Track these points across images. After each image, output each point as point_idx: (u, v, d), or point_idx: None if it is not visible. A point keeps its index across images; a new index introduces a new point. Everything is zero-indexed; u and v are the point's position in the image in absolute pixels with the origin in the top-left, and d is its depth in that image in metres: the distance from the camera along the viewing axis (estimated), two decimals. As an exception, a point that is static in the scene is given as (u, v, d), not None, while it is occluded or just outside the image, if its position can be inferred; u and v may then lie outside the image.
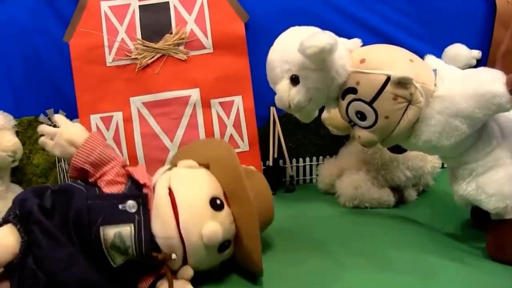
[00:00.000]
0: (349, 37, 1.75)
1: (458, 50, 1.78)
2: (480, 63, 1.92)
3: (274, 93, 1.34)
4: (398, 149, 1.32)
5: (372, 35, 1.86)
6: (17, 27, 1.78)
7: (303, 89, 1.20)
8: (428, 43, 1.90)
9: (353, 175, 1.58)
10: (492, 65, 1.93)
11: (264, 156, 1.81)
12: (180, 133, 1.73)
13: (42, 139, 1.08)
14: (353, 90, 1.15)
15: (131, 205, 0.96)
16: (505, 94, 1.02)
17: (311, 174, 1.89)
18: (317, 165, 1.86)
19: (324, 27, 1.79)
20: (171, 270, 0.99)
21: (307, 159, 1.87)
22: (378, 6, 1.90)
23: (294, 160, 1.87)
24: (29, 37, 1.79)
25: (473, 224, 1.35)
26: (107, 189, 0.99)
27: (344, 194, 1.56)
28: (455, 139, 1.10)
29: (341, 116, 1.26)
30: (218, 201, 1.02)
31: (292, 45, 1.20)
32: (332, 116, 1.62)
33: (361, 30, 1.85)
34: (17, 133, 1.67)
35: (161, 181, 1.04)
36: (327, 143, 1.81)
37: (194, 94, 1.73)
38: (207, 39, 1.74)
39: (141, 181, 1.00)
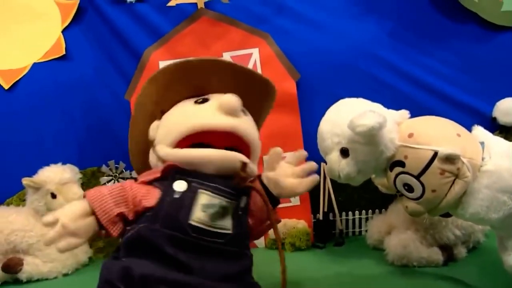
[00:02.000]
0: (396, 91, 1.97)
1: (511, 104, 1.90)
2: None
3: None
4: (446, 214, 1.42)
5: (420, 90, 2.03)
6: (82, 83, 2.07)
7: (353, 161, 1.37)
8: (478, 96, 2.05)
9: (402, 234, 1.71)
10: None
11: (315, 209, 1.99)
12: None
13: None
14: (401, 164, 1.28)
15: (179, 184, 1.09)
16: None
17: (360, 227, 2.05)
18: (366, 218, 2.03)
19: (372, 82, 2.03)
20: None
21: (357, 212, 2.04)
22: (425, 60, 2.07)
23: (343, 214, 2.03)
24: (93, 92, 2.07)
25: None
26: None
27: (392, 253, 1.69)
28: (503, 213, 1.19)
29: (389, 185, 1.42)
30: None
31: (342, 118, 1.37)
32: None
33: (409, 84, 2.03)
34: (82, 184, 1.92)
35: None
36: (376, 197, 1.96)
37: (247, 151, 1.93)
38: (261, 98, 1.94)
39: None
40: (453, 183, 1.22)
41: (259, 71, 1.96)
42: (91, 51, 2.09)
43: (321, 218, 1.98)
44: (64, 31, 2.07)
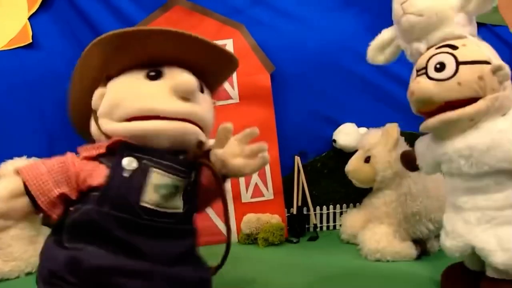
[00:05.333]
0: (373, 86, 2.00)
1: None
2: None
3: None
4: (411, 165, 1.46)
5: (398, 85, 2.04)
6: (51, 74, 2.00)
7: None
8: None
9: (375, 228, 1.73)
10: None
11: (288, 204, 1.99)
12: (205, 181, 1.91)
13: None
14: (454, 47, 1.24)
15: (128, 162, 0.99)
16: None
17: (334, 221, 2.06)
18: (340, 213, 2.04)
19: (349, 77, 2.03)
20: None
21: (331, 207, 2.05)
22: (404, 55, 2.05)
23: (318, 208, 2.04)
24: (64, 84, 1.98)
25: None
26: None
27: (366, 247, 1.70)
28: (497, 161, 1.19)
29: (363, 179, 1.40)
30: None
31: None
32: (356, 169, 1.79)
33: (387, 79, 2.05)
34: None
35: None
36: (351, 191, 1.97)
37: (220, 143, 1.91)
38: (234, 89, 1.94)
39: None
40: (478, 98, 1.20)
41: (233, 63, 1.93)
42: (61, 40, 2.04)
43: (295, 212, 1.99)
44: (31, 18, 2.01)
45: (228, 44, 1.95)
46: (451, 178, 1.34)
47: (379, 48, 1.53)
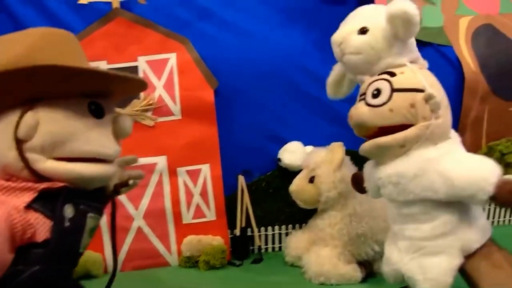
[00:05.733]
0: (320, 102, 1.96)
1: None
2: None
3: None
4: (360, 187, 1.47)
5: (345, 101, 1.98)
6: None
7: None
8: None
9: (320, 251, 1.69)
10: (463, 133, 2.09)
11: (232, 225, 1.91)
12: (145, 201, 1.83)
13: None
14: (393, 74, 1.28)
15: (69, 209, 0.93)
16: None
17: (280, 242, 2.00)
18: (286, 233, 1.98)
19: (295, 93, 1.99)
20: None
21: (276, 227, 1.99)
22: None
23: (262, 229, 1.97)
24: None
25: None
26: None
27: (311, 270, 1.65)
28: (422, 189, 1.21)
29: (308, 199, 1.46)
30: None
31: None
32: (300, 190, 1.74)
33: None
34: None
35: None
36: (296, 211, 1.91)
37: (160, 162, 1.84)
38: (176, 105, 1.86)
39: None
40: (407, 126, 1.23)
41: (176, 78, 1.89)
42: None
43: (238, 234, 1.91)
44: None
45: (171, 59, 1.88)
46: (389, 204, 1.37)
47: (335, 84, 1.60)
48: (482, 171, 1.16)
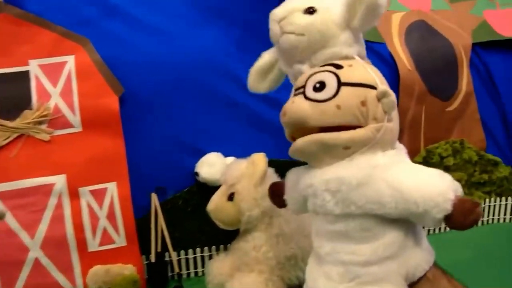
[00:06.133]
0: (242, 107, 1.79)
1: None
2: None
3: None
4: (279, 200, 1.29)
5: (269, 106, 1.80)
6: None
7: None
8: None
9: (244, 278, 1.49)
10: (400, 135, 1.93)
11: (146, 250, 1.68)
12: (42, 228, 1.57)
13: None
14: (339, 66, 1.10)
15: None
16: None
17: (202, 266, 1.77)
18: (209, 256, 1.77)
19: (213, 98, 1.79)
20: None
21: (197, 250, 1.77)
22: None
23: (182, 252, 1.75)
24: None
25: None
26: None
27: (234, 302, 1.45)
28: (366, 201, 1.03)
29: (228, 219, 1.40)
30: None
31: None
32: (218, 208, 1.53)
33: (256, 100, 1.79)
34: None
35: None
36: (220, 231, 1.68)
37: (59, 181, 1.59)
38: (75, 116, 1.62)
39: None
40: (356, 126, 1.06)
41: (74, 84, 1.64)
42: None
43: (153, 260, 1.67)
44: None
45: (69, 62, 1.63)
46: (316, 218, 1.16)
47: (260, 74, 1.34)
48: (438, 185, 1.00)
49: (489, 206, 2.06)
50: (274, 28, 1.18)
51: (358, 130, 1.05)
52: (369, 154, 1.06)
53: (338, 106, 1.04)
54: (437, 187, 0.99)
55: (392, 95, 1.06)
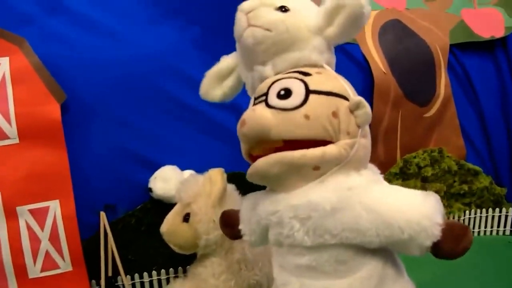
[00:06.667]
0: (198, 113, 1.61)
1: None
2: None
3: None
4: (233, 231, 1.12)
5: (229, 112, 1.64)
6: None
7: None
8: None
9: None
10: (375, 145, 1.80)
11: (95, 275, 1.50)
12: (-26, 252, 1.38)
13: None
14: (306, 74, 0.96)
15: None
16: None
17: (160, 290, 1.59)
18: (167, 280, 1.60)
19: (173, 105, 1.62)
20: None
21: (154, 273, 1.59)
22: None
23: (136, 276, 1.57)
24: None
25: None
26: None
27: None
28: (342, 229, 0.89)
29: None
30: None
31: None
32: (172, 231, 1.36)
33: (215, 106, 1.61)
34: None
35: None
36: (176, 252, 1.51)
37: (-7, 199, 1.41)
38: (11, 126, 1.44)
39: None
40: (327, 142, 0.92)
41: (9, 90, 1.46)
42: None
43: (103, 286, 1.50)
44: None
45: (3, 64, 1.45)
46: (279, 251, 1.00)
47: (216, 79, 1.17)
48: (424, 208, 0.88)
49: (469, 218, 1.94)
50: (240, 17, 1.03)
51: (329, 146, 0.91)
52: (341, 175, 0.92)
53: (306, 116, 0.90)
54: (422, 210, 0.87)
55: (367, 107, 0.92)
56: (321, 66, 1.00)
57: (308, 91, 0.92)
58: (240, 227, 1.08)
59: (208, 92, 1.18)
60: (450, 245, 0.86)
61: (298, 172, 0.92)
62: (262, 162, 0.93)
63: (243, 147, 0.99)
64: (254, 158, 0.95)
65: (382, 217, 0.87)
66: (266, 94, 0.96)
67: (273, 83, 0.96)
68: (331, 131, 0.91)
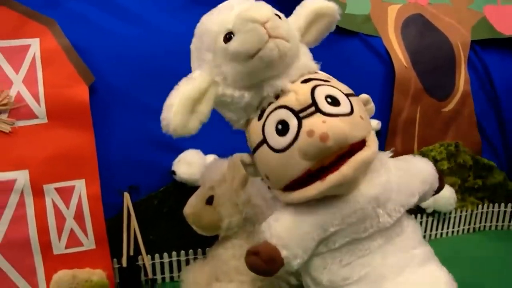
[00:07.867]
0: None
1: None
2: (380, 134, 1.78)
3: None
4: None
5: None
6: None
7: None
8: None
9: None
10: (393, 136, 1.82)
11: (117, 253, 1.53)
12: (2, 229, 1.41)
13: None
14: (324, 80, 1.03)
15: None
16: None
17: (179, 270, 1.62)
18: (186, 261, 1.62)
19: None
20: None
21: (174, 254, 1.61)
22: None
23: (156, 256, 1.60)
24: None
25: None
26: None
27: (211, 313, 1.31)
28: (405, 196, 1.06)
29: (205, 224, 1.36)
30: None
31: None
32: (196, 213, 1.38)
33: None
34: None
35: None
36: (197, 234, 1.52)
37: (21, 177, 1.42)
38: (40, 106, 1.45)
39: None
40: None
41: (39, 71, 1.47)
42: None
43: (125, 264, 1.52)
44: None
45: (33, 46, 1.45)
46: (334, 254, 1.04)
47: (190, 107, 1.07)
48: (426, 164, 1.16)
49: (482, 212, 1.95)
50: (256, 31, 0.93)
51: (372, 137, 1.01)
52: (376, 159, 1.03)
53: (361, 117, 0.99)
54: (428, 166, 1.15)
55: (372, 102, 1.08)
56: (316, 72, 1.06)
57: (345, 95, 0.99)
58: (286, 254, 0.99)
59: (185, 126, 1.06)
60: (442, 182, 1.17)
61: (365, 169, 1.00)
62: (348, 169, 0.93)
63: (304, 165, 0.94)
64: (316, 165, 0.94)
65: (418, 178, 1.09)
66: (314, 104, 0.94)
67: (312, 90, 0.96)
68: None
